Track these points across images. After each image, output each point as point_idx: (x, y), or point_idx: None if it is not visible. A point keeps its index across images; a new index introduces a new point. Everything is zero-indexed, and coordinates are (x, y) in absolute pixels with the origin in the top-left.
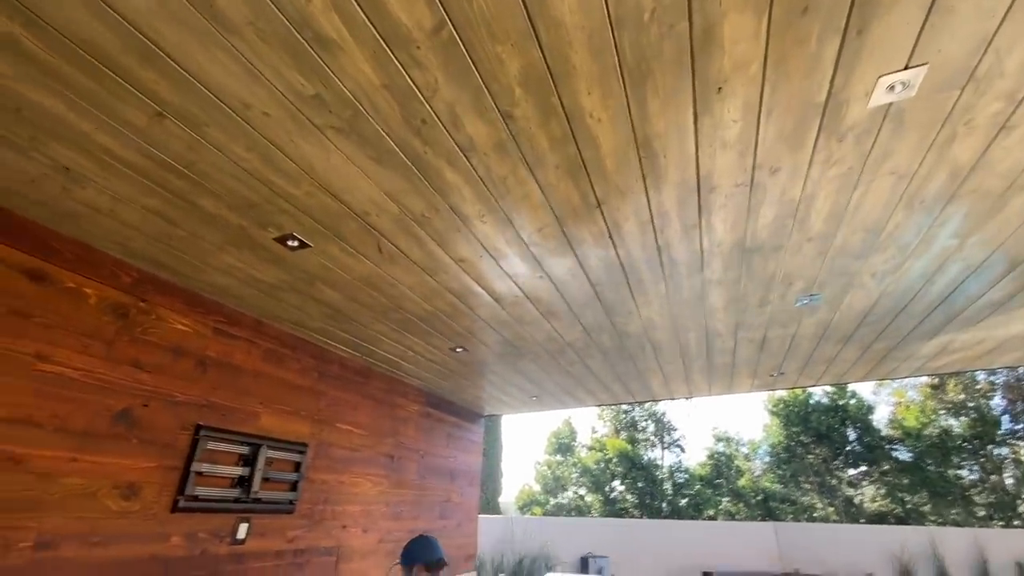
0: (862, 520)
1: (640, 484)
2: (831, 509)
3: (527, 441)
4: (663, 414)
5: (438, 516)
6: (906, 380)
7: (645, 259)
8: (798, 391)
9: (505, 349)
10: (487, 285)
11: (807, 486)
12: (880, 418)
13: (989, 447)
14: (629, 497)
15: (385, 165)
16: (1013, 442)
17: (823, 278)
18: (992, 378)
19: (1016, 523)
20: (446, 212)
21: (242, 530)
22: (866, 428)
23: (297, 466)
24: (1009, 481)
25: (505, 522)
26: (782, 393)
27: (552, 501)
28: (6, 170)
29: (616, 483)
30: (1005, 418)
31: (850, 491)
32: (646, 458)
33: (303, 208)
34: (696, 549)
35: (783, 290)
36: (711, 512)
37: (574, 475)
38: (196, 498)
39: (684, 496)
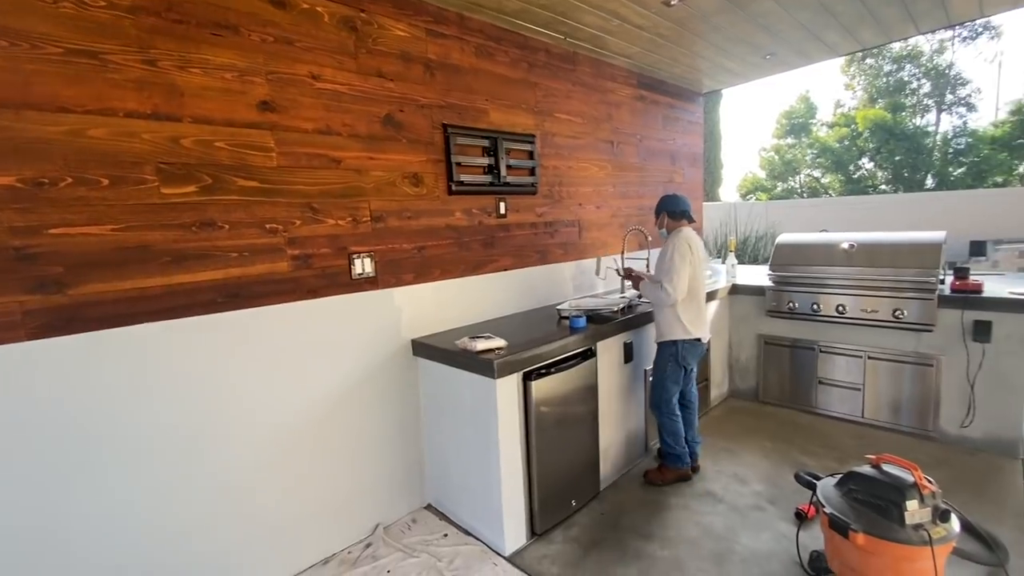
0: None
1: (898, 157)
2: None
3: (748, 131)
4: (948, 66)
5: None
6: None
7: None
8: None
9: None
10: None
11: None
12: None
13: None
14: (880, 173)
15: None
16: None
17: None
18: None
19: None
20: None
21: (502, 207)
22: None
23: (530, 154)
24: None
25: (726, 207)
26: None
27: (780, 187)
28: None
29: (864, 160)
30: None
31: None
32: (911, 126)
33: None
34: (967, 220)
35: None
36: (999, 179)
37: (809, 157)
38: (462, 183)
39: (961, 164)
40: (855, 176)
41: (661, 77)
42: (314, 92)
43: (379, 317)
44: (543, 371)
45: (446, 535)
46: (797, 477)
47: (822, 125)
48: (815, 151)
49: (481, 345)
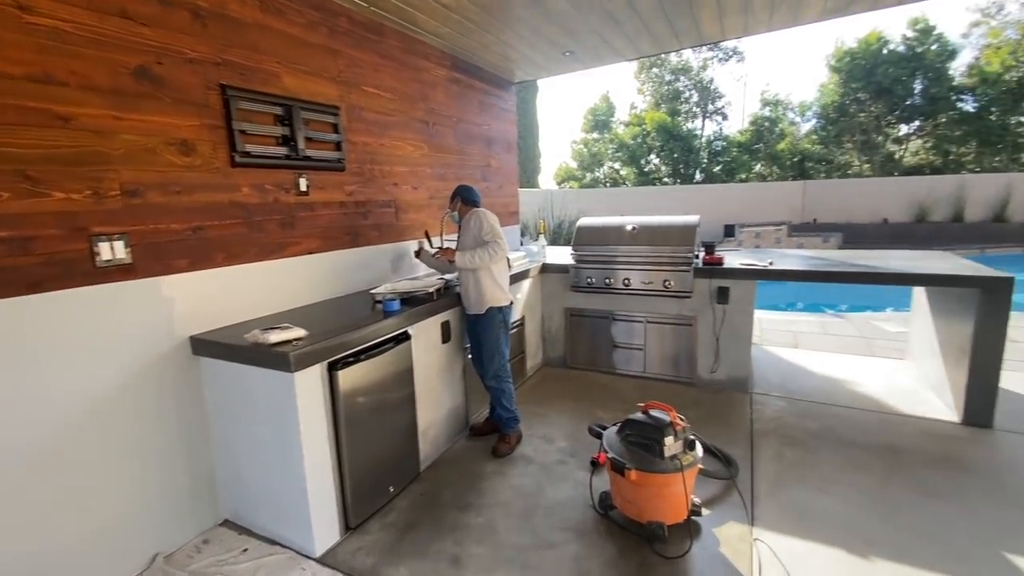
0: (895, 174)
1: (676, 155)
2: (867, 166)
3: (565, 124)
4: (710, 81)
5: (480, 178)
6: (1009, 17)
7: None
8: (871, 39)
9: None
10: None
11: (849, 145)
12: (959, 66)
13: None
14: (664, 168)
15: None
16: None
17: None
18: None
19: None
20: None
21: (302, 184)
22: (937, 78)
23: (335, 128)
24: None
25: (543, 194)
26: (852, 45)
27: (588, 176)
28: None
29: (652, 156)
30: None
31: (893, 147)
32: (685, 129)
33: None
34: (725, 208)
35: None
36: (743, 176)
37: (610, 151)
38: (249, 154)
39: (719, 163)
40: (646, 170)
41: (476, 62)
42: (22, 27)
43: (142, 312)
44: (351, 359)
45: (246, 550)
46: (589, 430)
47: (620, 123)
48: (615, 146)
49: (275, 337)
